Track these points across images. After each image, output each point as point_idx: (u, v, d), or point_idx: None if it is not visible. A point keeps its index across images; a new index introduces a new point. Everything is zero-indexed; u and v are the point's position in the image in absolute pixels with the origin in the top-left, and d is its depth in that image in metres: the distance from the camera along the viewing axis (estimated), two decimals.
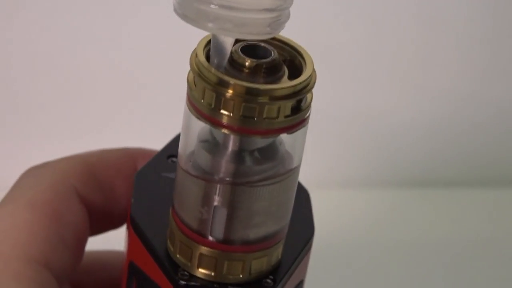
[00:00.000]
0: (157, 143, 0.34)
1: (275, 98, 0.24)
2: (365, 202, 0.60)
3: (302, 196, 0.31)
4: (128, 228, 0.30)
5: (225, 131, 0.24)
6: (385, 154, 0.62)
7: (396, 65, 0.60)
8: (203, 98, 0.24)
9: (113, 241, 0.36)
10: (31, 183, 0.30)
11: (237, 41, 0.25)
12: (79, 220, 0.31)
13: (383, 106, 0.60)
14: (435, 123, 0.61)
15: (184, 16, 0.23)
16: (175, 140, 0.32)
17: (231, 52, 0.24)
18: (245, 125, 0.24)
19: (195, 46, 0.25)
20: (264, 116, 0.24)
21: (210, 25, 0.23)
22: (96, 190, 0.32)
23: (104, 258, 0.36)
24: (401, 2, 0.57)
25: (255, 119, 0.24)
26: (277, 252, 0.27)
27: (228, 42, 0.24)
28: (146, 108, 0.58)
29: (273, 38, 0.26)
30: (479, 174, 0.63)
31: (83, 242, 0.31)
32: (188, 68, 0.25)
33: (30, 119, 0.57)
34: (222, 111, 0.24)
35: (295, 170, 0.26)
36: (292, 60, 0.25)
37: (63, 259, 0.29)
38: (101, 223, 0.33)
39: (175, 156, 0.31)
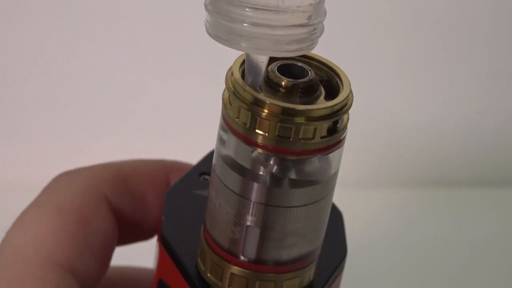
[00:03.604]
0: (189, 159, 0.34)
1: (311, 118, 0.23)
2: (368, 203, 0.59)
3: (335, 215, 0.30)
4: (158, 245, 0.30)
5: (259, 150, 0.24)
6: (392, 155, 0.61)
7: (405, 67, 0.59)
8: (238, 117, 0.24)
9: (141, 256, 0.36)
10: (61, 188, 0.30)
11: (272, 59, 0.24)
12: (107, 228, 0.30)
13: (392, 109, 0.60)
14: (440, 125, 0.61)
15: (217, 37, 0.23)
16: (208, 157, 0.32)
17: (267, 71, 0.24)
18: (281, 145, 0.24)
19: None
20: (300, 136, 0.23)
21: (243, 44, 0.23)
22: (127, 198, 0.32)
23: (132, 274, 0.36)
24: (414, 3, 0.57)
25: (291, 139, 0.23)
26: (309, 273, 0.27)
27: (262, 60, 0.24)
28: (173, 123, 0.58)
29: (310, 58, 0.25)
30: (483, 174, 0.63)
31: (110, 250, 0.31)
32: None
33: (40, 122, 0.57)
34: (257, 130, 0.24)
35: (330, 191, 0.26)
36: (329, 81, 0.25)
37: (88, 266, 0.29)
38: (130, 233, 0.33)
39: (207, 173, 0.31)
